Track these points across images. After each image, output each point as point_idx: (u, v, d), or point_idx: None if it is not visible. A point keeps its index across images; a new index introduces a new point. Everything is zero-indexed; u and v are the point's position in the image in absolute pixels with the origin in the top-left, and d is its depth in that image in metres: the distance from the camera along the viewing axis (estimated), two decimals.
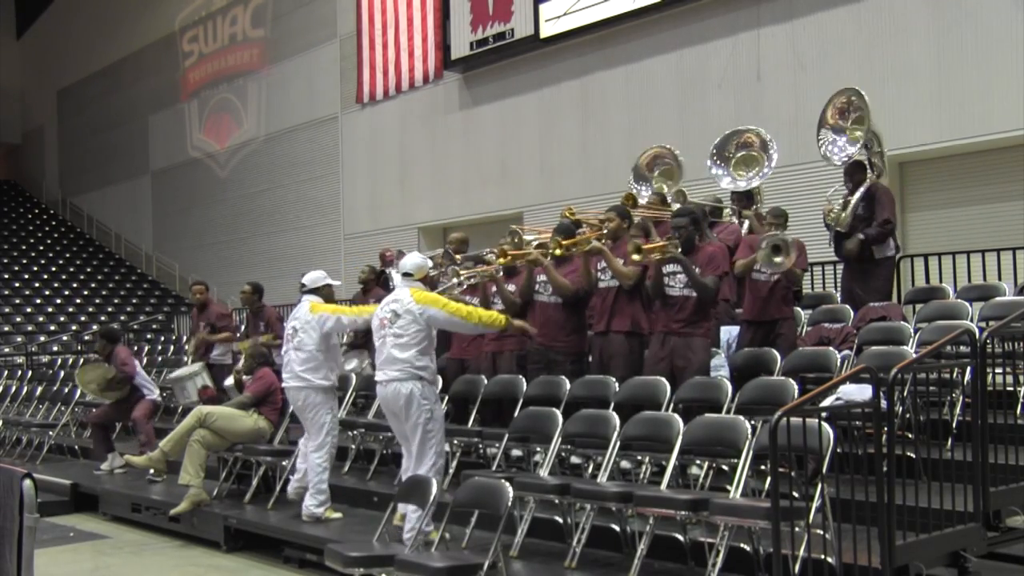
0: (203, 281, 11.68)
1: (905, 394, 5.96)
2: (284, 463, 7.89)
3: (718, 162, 8.70)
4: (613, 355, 7.12)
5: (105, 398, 10.31)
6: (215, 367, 10.52)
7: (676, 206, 8.04)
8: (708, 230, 7.57)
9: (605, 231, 7.37)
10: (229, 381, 9.10)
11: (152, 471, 8.78)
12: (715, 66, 13.36)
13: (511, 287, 7.83)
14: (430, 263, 7.09)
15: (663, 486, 5.73)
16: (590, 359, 7.51)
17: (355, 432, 8.38)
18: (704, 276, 6.72)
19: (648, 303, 7.08)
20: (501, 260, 7.74)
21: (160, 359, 14.42)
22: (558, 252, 7.20)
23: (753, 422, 5.64)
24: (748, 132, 8.78)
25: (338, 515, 7.21)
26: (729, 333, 7.53)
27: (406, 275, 6.66)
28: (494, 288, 7.93)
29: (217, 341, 10.68)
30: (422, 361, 6.40)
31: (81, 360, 10.33)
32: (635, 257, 6.74)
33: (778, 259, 7.03)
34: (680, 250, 6.73)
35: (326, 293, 7.73)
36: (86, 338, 18.98)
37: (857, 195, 8.00)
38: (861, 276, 8.07)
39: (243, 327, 11.07)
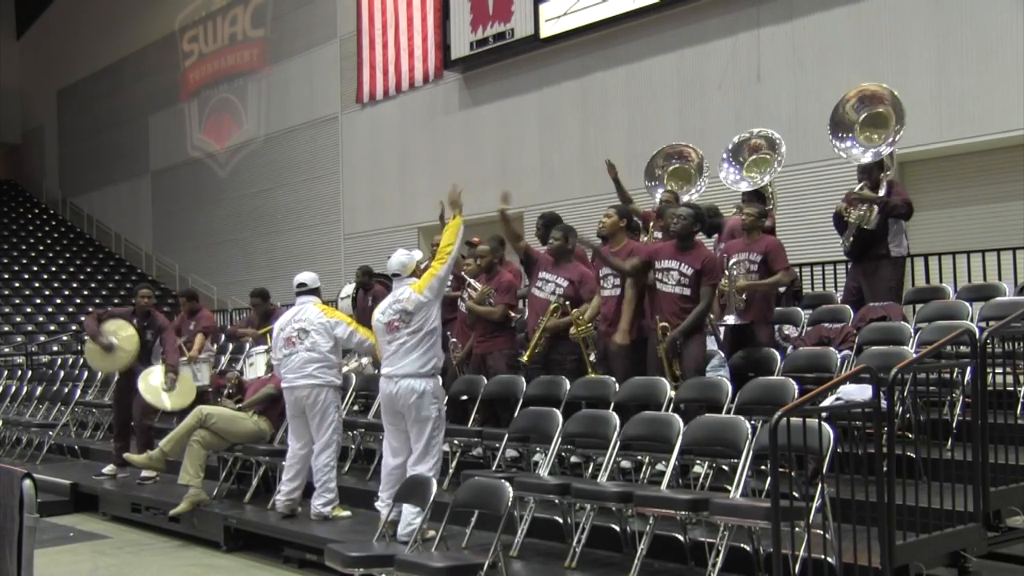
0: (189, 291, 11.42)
1: (905, 394, 5.96)
2: (284, 463, 7.88)
3: (732, 163, 8.69)
4: (615, 356, 7.11)
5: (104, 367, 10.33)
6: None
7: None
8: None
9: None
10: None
11: (147, 472, 8.78)
12: (715, 66, 13.36)
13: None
14: (417, 254, 7.18)
15: (663, 486, 5.73)
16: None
17: (355, 432, 8.39)
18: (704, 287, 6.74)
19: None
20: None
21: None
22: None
23: (753, 422, 5.64)
24: (754, 138, 8.78)
25: (347, 513, 7.20)
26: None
27: (395, 276, 6.70)
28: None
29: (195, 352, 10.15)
30: (437, 358, 6.53)
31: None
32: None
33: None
34: (677, 237, 6.80)
35: (319, 295, 7.84)
36: (85, 337, 18.92)
37: (883, 191, 7.90)
38: (870, 272, 7.97)
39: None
